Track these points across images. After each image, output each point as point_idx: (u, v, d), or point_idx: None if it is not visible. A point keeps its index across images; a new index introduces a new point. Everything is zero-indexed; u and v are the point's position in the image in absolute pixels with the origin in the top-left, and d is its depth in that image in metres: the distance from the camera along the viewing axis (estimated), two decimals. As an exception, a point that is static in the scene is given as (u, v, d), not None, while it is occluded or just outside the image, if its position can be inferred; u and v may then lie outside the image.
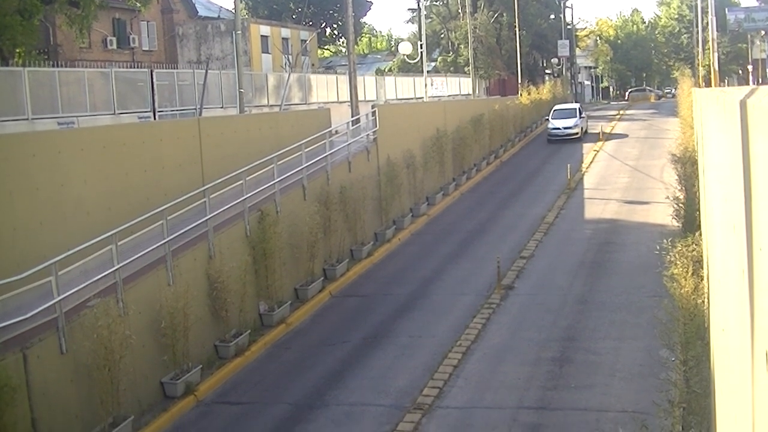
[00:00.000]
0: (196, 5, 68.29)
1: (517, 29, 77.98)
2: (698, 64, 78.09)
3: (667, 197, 27.87)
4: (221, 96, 39.81)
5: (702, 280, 16.50)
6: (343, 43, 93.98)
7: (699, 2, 71.41)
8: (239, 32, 33.91)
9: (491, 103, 56.68)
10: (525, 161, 52.17)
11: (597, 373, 18.80)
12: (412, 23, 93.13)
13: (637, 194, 38.44)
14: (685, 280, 15.92)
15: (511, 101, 61.56)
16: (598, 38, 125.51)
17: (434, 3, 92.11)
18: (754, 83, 76.68)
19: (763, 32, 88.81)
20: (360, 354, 21.44)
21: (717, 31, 50.76)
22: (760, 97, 5.60)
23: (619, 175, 43.90)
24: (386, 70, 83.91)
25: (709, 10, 49.34)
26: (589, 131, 60.23)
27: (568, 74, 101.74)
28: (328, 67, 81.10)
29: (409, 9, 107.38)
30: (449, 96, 71.48)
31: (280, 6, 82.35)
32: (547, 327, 22.08)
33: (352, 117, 36.11)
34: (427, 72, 61.65)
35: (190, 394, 19.26)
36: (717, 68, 48.63)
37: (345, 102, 43.16)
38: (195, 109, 35.92)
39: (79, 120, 29.61)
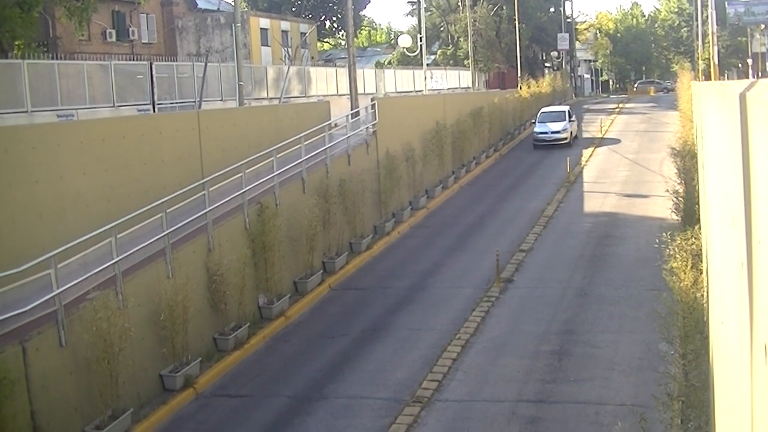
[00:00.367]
0: (195, -2, 68.25)
1: (516, 22, 77.93)
2: (698, 58, 78.10)
3: (667, 191, 27.85)
4: (221, 89, 39.79)
5: (701, 273, 16.49)
6: (342, 35, 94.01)
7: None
8: (239, 25, 33.85)
9: (491, 97, 56.65)
10: (524, 154, 52.15)
11: (596, 367, 18.82)
12: (412, 16, 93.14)
13: (637, 188, 38.44)
14: (684, 273, 15.92)
15: (510, 94, 61.52)
16: (597, 31, 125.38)
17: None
18: (753, 77, 76.66)
19: (762, 26, 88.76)
20: (359, 347, 21.45)
21: (717, 24, 50.75)
22: (760, 91, 5.59)
23: (618, 168, 43.90)
24: (386, 63, 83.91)
25: (709, 3, 49.34)
26: (584, 130, 59.22)
27: (568, 67, 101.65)
28: (328, 60, 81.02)
29: (408, 2, 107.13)
30: (449, 89, 71.44)
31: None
32: (546, 320, 22.09)
33: (352, 110, 36.08)
34: (427, 65, 61.58)
35: (190, 387, 19.28)
36: (717, 62, 48.64)
37: (344, 95, 43.11)
38: (194, 101, 35.91)
39: (78, 113, 29.59)
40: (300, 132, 28.35)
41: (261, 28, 64.37)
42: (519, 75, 72.13)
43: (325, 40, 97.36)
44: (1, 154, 18.25)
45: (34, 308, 15.89)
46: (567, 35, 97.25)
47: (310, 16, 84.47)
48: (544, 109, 57.41)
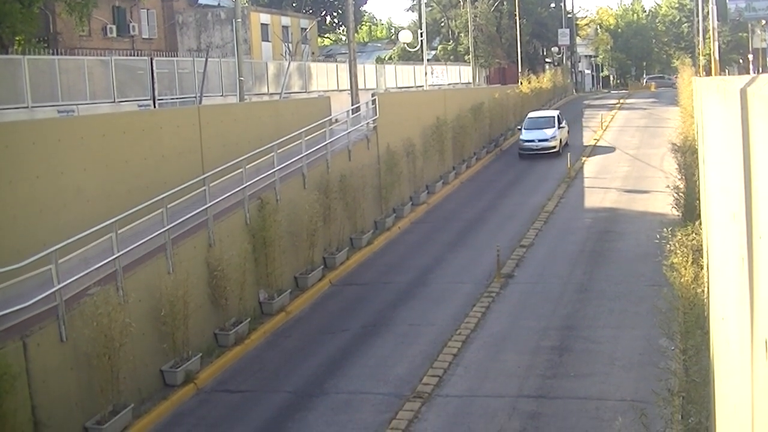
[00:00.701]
0: (196, -7, 68.20)
1: (517, 18, 77.89)
2: (699, 53, 77.99)
3: (667, 186, 27.86)
4: (221, 84, 39.76)
5: (702, 269, 16.50)
6: (343, 31, 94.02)
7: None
8: (239, 20, 33.84)
9: (491, 92, 56.60)
10: (525, 150, 52.07)
11: (596, 362, 18.83)
12: (413, 11, 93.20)
13: (637, 183, 38.42)
14: (685, 269, 15.92)
15: (511, 90, 61.48)
16: (598, 27, 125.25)
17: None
18: (754, 72, 76.56)
19: (763, 21, 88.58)
20: (359, 342, 21.46)
21: (717, 20, 50.73)
22: (761, 86, 5.59)
23: (619, 164, 43.87)
24: (386, 59, 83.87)
25: (710, -1, 49.27)
26: (585, 126, 58.84)
27: (569, 63, 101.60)
28: (328, 56, 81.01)
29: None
30: (449, 84, 71.40)
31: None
32: (546, 315, 22.10)
33: (352, 105, 36.06)
34: (427, 60, 61.57)
35: (190, 382, 19.29)
36: (717, 57, 48.62)
37: (345, 90, 43.11)
38: (195, 97, 35.89)
39: (78, 108, 29.57)
40: (300, 127, 28.35)
41: (261, 24, 64.35)
42: (519, 70, 72.04)
43: (325, 35, 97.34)
44: (1, 149, 18.26)
45: (35, 304, 15.91)
46: (567, 31, 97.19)
47: (311, 11, 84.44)
48: (530, 114, 52.10)
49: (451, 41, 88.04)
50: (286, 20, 68.79)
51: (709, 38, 54.22)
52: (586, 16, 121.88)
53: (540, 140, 47.31)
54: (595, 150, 48.97)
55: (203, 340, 20.83)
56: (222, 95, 39.31)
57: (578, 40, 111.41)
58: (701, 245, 17.72)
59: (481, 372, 18.93)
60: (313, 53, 69.27)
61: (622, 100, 77.95)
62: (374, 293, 25.60)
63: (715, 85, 12.17)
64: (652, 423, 12.90)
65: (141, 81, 34.80)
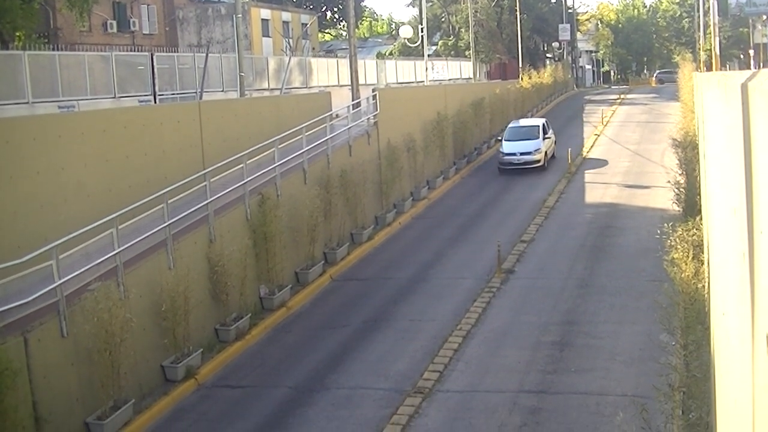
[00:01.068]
0: (196, -12, 68.17)
1: (518, 13, 77.85)
2: (699, 49, 77.98)
3: (668, 181, 27.84)
4: (222, 79, 39.73)
5: (702, 264, 16.49)
6: (343, 26, 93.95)
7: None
8: (240, 16, 33.80)
9: (492, 87, 56.60)
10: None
11: (597, 357, 18.83)
12: (413, 7, 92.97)
13: (638, 178, 38.41)
14: (686, 264, 15.92)
15: (511, 85, 61.48)
16: (599, 22, 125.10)
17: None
18: (755, 68, 76.52)
19: (764, 17, 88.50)
20: (360, 338, 21.47)
21: (718, 15, 50.63)
22: (762, 81, 5.58)
23: (619, 159, 43.85)
24: (387, 54, 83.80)
25: (711, -7, 49.22)
26: (585, 121, 58.58)
27: (569, 58, 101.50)
28: (329, 51, 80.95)
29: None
30: (450, 80, 71.34)
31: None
32: (547, 311, 22.11)
33: (353, 101, 36.04)
34: (428, 56, 61.53)
35: (191, 377, 19.30)
36: (718, 53, 48.54)
37: (346, 86, 43.05)
38: (195, 92, 35.85)
39: (79, 104, 29.55)
40: (301, 123, 28.35)
41: (262, 19, 64.32)
42: (520, 66, 72.04)
43: (326, 30, 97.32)
44: (2, 145, 18.26)
45: (35, 299, 15.91)
46: (568, 26, 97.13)
47: (311, 6, 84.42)
48: (513, 123, 46.36)
49: (452, 36, 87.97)
50: (286, 15, 68.75)
51: (710, 33, 54.13)
52: (586, 12, 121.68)
53: (522, 153, 41.96)
54: (596, 144, 48.89)
55: (204, 336, 20.84)
56: (223, 91, 39.28)
57: (579, 35, 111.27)
58: (702, 240, 17.71)
59: (481, 367, 18.94)
60: (313, 49, 69.20)
61: (622, 96, 77.88)
62: (375, 288, 25.61)
63: (716, 80, 12.15)
64: (653, 418, 12.89)
65: (141, 76, 34.78)
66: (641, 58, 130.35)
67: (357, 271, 27.62)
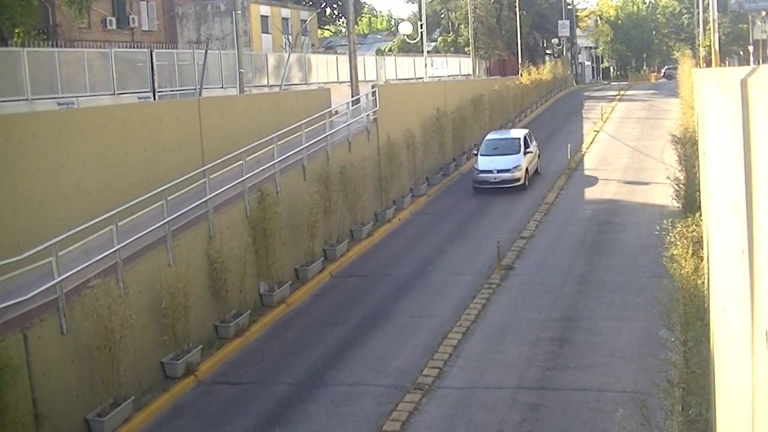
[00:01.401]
0: (195, -15, 68.04)
1: (517, 9, 77.79)
2: (699, 45, 77.90)
3: (667, 178, 27.85)
4: (221, 76, 39.74)
5: (702, 260, 16.50)
6: (343, 23, 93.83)
7: (700, -18, 71.11)
8: (239, 12, 33.81)
9: (491, 84, 56.57)
10: (525, 142, 51.99)
11: (597, 354, 18.83)
12: (412, 3, 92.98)
13: (637, 175, 38.41)
14: (685, 260, 15.92)
15: (511, 81, 61.46)
16: (598, 18, 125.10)
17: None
18: (754, 64, 76.48)
19: (764, 13, 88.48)
20: (360, 334, 21.47)
21: (718, 11, 50.53)
22: (761, 77, 5.58)
23: (619, 155, 43.86)
24: (386, 50, 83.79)
25: (710, -11, 49.15)
26: (585, 117, 58.47)
27: (569, 54, 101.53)
28: (328, 47, 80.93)
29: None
30: (449, 76, 71.35)
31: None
32: (547, 307, 22.11)
33: (353, 97, 36.06)
34: (428, 52, 61.51)
35: (191, 374, 19.30)
36: (718, 49, 48.45)
37: (345, 82, 43.09)
38: (195, 89, 35.87)
39: (78, 100, 29.58)
40: (301, 119, 28.34)
41: (261, 16, 64.24)
42: (520, 62, 72.00)
43: (325, 27, 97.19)
44: (1, 142, 18.24)
45: (35, 296, 15.90)
46: (568, 22, 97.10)
47: (311, 3, 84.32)
48: (490, 135, 41.25)
49: (451, 33, 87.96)
50: (285, 12, 68.66)
51: (710, 29, 54.03)
52: (586, 8, 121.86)
53: (500, 170, 36.90)
54: (596, 140, 48.87)
55: (204, 332, 20.84)
56: (222, 87, 39.31)
57: (578, 31, 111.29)
58: (701, 236, 17.72)
59: (481, 363, 18.94)
60: (312, 45, 69.18)
61: (622, 92, 77.90)
62: (374, 285, 25.61)
63: (716, 76, 12.14)
64: (653, 414, 12.90)
65: (141, 73, 34.79)
66: (641, 54, 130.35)
67: (356, 267, 27.63)
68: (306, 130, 27.88)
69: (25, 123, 19.71)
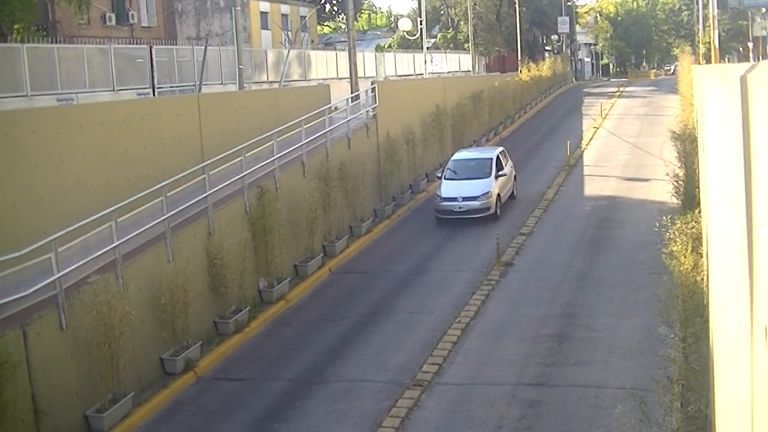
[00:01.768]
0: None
1: (516, 6, 77.74)
2: (698, 42, 77.85)
3: (667, 174, 27.85)
4: (221, 72, 39.69)
5: (701, 257, 16.50)
6: (342, 19, 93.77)
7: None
8: (238, 8, 33.83)
9: (491, 80, 56.58)
10: (524, 138, 52.05)
11: (596, 350, 18.84)
12: (412, 0, 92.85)
13: (637, 171, 38.41)
14: (685, 257, 15.93)
15: (510, 78, 61.45)
16: (598, 15, 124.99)
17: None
18: (754, 61, 76.45)
19: (763, 9, 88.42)
20: (359, 330, 21.48)
21: (717, 8, 50.53)
22: (761, 73, 5.58)
23: (618, 152, 43.86)
24: (386, 47, 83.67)
25: (710, -14, 49.14)
26: (585, 114, 58.41)
27: (568, 51, 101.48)
28: (328, 44, 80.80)
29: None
30: (449, 72, 71.27)
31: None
32: (546, 303, 22.12)
33: (352, 93, 36.03)
34: (427, 48, 61.46)
35: (190, 370, 19.32)
36: (717, 45, 48.43)
37: (344, 78, 43.01)
38: (194, 85, 35.84)
39: (78, 96, 29.52)
40: (300, 115, 28.33)
41: (261, 12, 64.18)
42: (519, 58, 71.99)
43: (324, 23, 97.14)
44: (1, 138, 18.23)
45: (34, 292, 15.91)
46: (567, 19, 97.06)
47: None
48: (458, 154, 35.51)
49: (451, 29, 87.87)
50: (285, 8, 68.58)
51: (709, 26, 54.00)
52: (585, 4, 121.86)
53: (465, 198, 31.17)
54: (595, 137, 48.86)
55: (203, 329, 20.84)
56: (221, 83, 39.24)
57: (578, 28, 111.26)
58: (701, 233, 17.73)
59: (480, 360, 18.95)
60: (312, 41, 69.11)
61: (621, 88, 77.90)
62: (374, 281, 25.62)
63: (715, 72, 12.14)
64: (652, 411, 12.91)
65: (140, 69, 34.73)
66: (640, 50, 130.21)
67: (356, 263, 27.63)
68: (305, 127, 27.88)
69: (25, 119, 19.71)
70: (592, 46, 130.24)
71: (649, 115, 56.55)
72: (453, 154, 35.73)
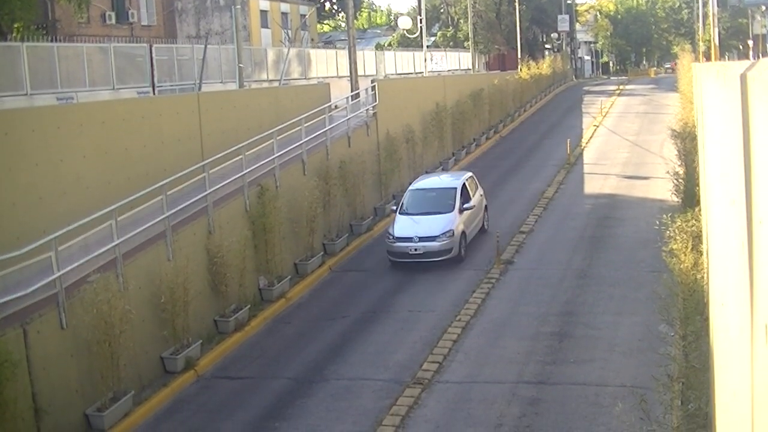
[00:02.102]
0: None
1: (516, 4, 77.71)
2: (698, 39, 77.88)
3: (667, 172, 27.84)
4: (220, 71, 39.69)
5: (701, 254, 16.50)
6: (342, 17, 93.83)
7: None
8: (238, 7, 33.83)
9: (491, 78, 56.55)
10: (524, 136, 52.05)
11: (596, 348, 18.84)
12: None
13: (637, 169, 38.41)
14: (685, 255, 15.93)
15: (510, 76, 61.42)
16: (598, 13, 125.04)
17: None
18: (754, 58, 76.44)
19: (763, 7, 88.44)
20: (359, 329, 21.48)
21: (717, 6, 50.59)
22: (761, 70, 5.58)
23: (618, 150, 43.86)
24: (386, 45, 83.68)
25: (710, -16, 49.15)
26: (585, 112, 58.55)
27: (568, 49, 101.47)
28: (328, 42, 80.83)
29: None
30: (449, 71, 71.26)
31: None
32: (546, 301, 22.12)
33: (352, 92, 36.01)
34: (427, 47, 61.42)
35: (190, 369, 19.31)
36: (717, 43, 48.49)
37: (344, 77, 43.00)
38: (194, 84, 35.84)
39: (78, 95, 29.52)
40: (300, 114, 28.33)
41: (261, 10, 64.15)
42: (519, 56, 71.97)
43: (324, 22, 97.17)
44: (1, 137, 18.22)
45: (35, 291, 15.90)
46: (567, 17, 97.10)
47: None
48: (417, 183, 29.83)
49: (451, 27, 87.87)
50: (285, 7, 68.57)
51: (709, 24, 54.03)
52: (585, 2, 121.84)
53: (423, 238, 25.97)
54: (595, 135, 48.84)
55: (203, 327, 20.84)
56: (221, 82, 39.24)
57: (578, 26, 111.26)
58: (701, 231, 17.72)
59: (480, 358, 18.96)
60: (312, 40, 69.12)
61: (621, 87, 77.89)
62: (374, 279, 25.61)
63: (715, 70, 12.13)
64: (652, 409, 12.90)
65: (140, 68, 34.74)
66: (640, 49, 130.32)
67: (356, 262, 27.63)
68: (305, 125, 27.88)
69: (25, 118, 19.69)
70: (592, 44, 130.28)
71: (649, 113, 56.55)
72: (411, 183, 30.47)
